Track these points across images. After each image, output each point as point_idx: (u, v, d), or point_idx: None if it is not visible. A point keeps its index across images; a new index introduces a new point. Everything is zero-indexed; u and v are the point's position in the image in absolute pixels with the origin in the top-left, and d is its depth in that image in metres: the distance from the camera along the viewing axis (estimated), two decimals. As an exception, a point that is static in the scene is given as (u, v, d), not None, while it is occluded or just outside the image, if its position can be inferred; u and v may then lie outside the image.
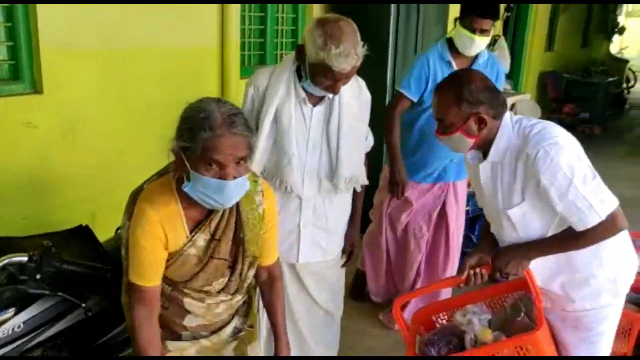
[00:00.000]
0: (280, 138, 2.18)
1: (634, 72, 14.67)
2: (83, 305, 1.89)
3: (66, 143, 2.89)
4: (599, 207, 1.79)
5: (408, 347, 2.14)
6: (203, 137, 1.48)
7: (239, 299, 1.86)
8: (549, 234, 1.95)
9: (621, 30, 15.82)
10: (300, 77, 2.15)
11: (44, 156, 2.82)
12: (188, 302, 1.75)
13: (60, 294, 1.83)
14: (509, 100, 6.11)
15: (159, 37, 3.28)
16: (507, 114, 1.97)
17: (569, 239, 1.89)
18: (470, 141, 1.94)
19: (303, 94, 2.16)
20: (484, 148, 1.99)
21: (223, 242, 1.71)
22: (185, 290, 1.74)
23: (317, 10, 4.51)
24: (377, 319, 3.54)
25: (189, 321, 1.80)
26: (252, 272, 1.83)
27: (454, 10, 5.57)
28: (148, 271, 1.67)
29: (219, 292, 1.78)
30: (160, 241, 1.64)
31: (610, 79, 11.16)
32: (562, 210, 1.83)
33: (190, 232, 1.67)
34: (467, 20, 2.94)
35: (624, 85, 13.42)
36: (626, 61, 14.15)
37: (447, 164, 3.20)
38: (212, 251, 1.70)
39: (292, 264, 2.39)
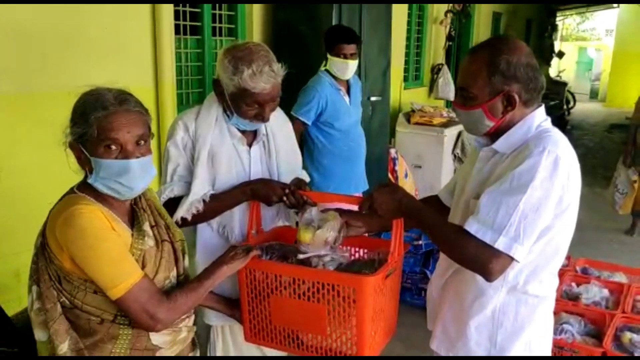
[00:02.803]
0: (219, 182, 2.02)
1: (572, 94, 15.17)
2: None
3: (-17, 196, 2.67)
4: (505, 236, 1.46)
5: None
6: (97, 117, 1.42)
7: (192, 322, 1.72)
8: None
9: (560, 55, 16.44)
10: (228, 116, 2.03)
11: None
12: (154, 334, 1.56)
13: None
14: (455, 128, 6.13)
15: (87, 79, 3.06)
16: (541, 110, 1.66)
17: (449, 227, 1.61)
18: (490, 124, 1.62)
19: (238, 134, 2.04)
20: (494, 136, 1.67)
21: (159, 226, 1.63)
22: None
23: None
24: None
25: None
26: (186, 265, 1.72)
27: (397, 10, 5.64)
28: (131, 260, 1.47)
29: None
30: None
31: (552, 103, 11.49)
32: (482, 201, 1.51)
33: (132, 229, 1.54)
34: (336, 50, 3.40)
35: (565, 107, 13.83)
36: (565, 84, 14.64)
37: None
38: (159, 234, 1.60)
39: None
